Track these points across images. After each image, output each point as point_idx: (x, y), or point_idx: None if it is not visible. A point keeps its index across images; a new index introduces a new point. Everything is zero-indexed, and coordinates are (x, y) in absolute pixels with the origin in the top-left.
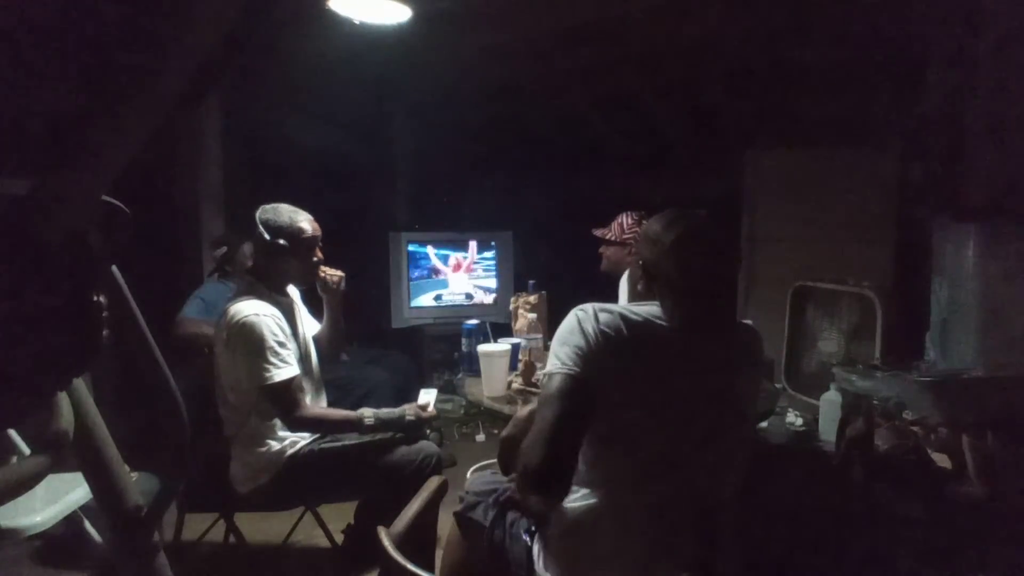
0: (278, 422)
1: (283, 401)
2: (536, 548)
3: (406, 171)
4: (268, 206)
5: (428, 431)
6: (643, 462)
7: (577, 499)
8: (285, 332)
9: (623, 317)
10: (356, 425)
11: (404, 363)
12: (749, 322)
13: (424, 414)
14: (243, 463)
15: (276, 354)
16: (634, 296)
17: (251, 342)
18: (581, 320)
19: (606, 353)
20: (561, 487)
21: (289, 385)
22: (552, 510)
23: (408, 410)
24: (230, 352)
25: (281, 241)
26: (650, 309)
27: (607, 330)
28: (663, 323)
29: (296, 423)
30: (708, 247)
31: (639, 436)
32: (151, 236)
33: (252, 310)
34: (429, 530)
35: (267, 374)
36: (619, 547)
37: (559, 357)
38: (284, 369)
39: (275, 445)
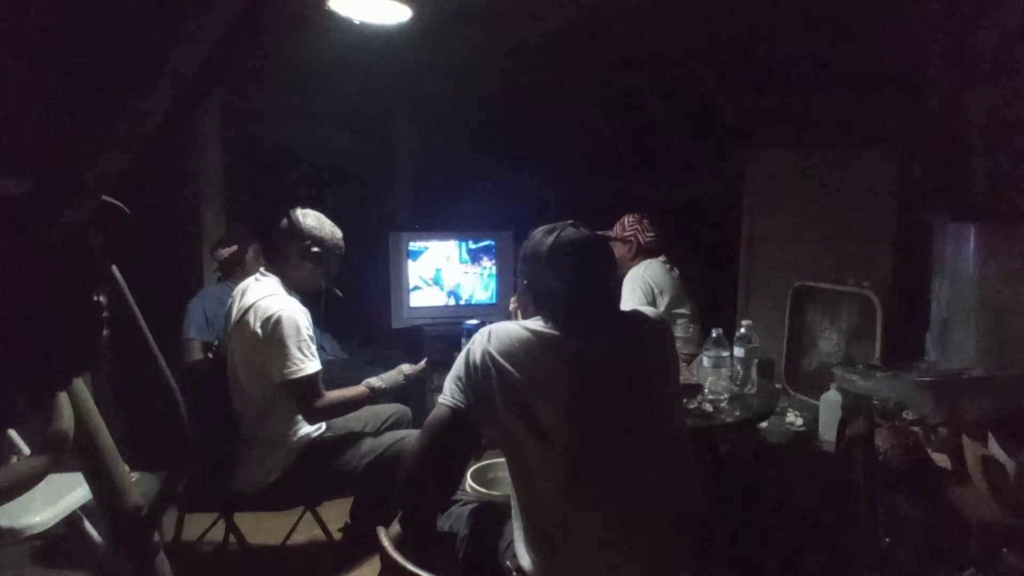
0: (296, 421)
1: (309, 394)
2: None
3: (406, 171)
4: (308, 211)
5: (431, 388)
6: (567, 469)
7: (527, 513)
8: (310, 327)
9: (517, 335)
10: (368, 398)
11: (404, 363)
12: (646, 310)
13: (416, 368)
14: (256, 463)
15: (309, 347)
16: (527, 316)
17: (288, 336)
18: (473, 345)
19: (493, 377)
20: (434, 504)
21: (317, 378)
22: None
23: (404, 368)
24: (265, 347)
25: (316, 249)
26: (543, 323)
27: (496, 354)
28: (554, 333)
29: (318, 413)
30: (580, 250)
31: (554, 444)
32: (151, 237)
33: (285, 305)
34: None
35: (301, 366)
36: (583, 550)
37: (446, 385)
38: (314, 362)
39: (291, 442)
